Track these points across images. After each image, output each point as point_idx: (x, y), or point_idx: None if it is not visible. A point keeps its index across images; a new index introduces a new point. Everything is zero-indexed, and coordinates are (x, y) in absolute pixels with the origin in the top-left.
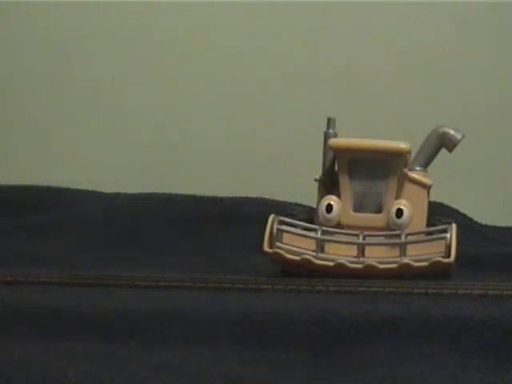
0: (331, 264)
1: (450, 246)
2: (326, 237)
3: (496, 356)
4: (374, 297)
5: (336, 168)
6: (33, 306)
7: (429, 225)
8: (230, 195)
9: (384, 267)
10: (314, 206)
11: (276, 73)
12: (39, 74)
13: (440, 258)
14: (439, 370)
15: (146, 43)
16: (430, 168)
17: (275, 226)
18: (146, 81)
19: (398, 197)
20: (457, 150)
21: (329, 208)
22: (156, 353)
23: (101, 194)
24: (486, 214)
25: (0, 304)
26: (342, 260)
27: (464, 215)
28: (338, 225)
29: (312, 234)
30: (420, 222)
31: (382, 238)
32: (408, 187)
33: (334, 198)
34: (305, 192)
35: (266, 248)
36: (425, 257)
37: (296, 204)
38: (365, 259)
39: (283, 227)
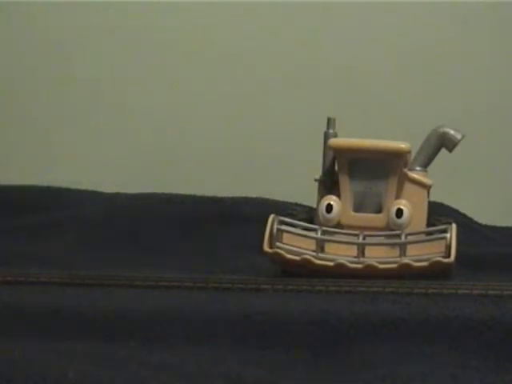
0: (331, 264)
1: (450, 245)
2: (326, 237)
3: (496, 356)
4: (374, 297)
5: (336, 168)
6: (33, 305)
7: (429, 225)
8: (230, 195)
9: (384, 267)
10: (314, 206)
11: (276, 73)
12: (39, 74)
13: (440, 258)
14: (439, 369)
15: (146, 43)
16: (430, 168)
17: (275, 226)
18: (146, 81)
19: (398, 197)
20: (457, 149)
21: (329, 208)
22: (156, 353)
23: (101, 194)
24: (486, 214)
25: (0, 304)
26: (342, 260)
27: (464, 215)
28: (338, 225)
29: (312, 233)
30: (420, 222)
31: (382, 238)
32: (408, 187)
33: (334, 198)
34: (305, 192)
35: (266, 248)
36: (425, 257)
37: (296, 204)
38: (365, 259)
39: (283, 227)
